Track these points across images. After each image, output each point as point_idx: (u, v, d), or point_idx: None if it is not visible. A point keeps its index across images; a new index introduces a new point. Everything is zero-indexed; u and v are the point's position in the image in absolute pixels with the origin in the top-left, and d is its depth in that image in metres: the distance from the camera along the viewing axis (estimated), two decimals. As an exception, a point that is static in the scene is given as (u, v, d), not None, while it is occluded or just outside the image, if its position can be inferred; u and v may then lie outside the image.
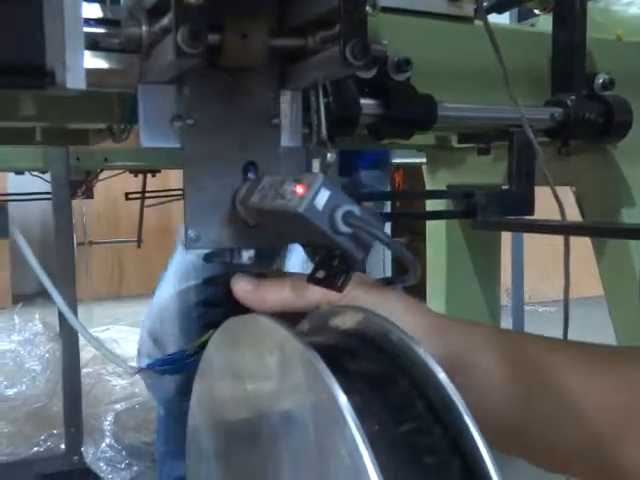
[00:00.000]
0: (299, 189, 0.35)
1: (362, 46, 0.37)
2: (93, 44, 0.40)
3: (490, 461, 0.30)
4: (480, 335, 0.41)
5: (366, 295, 0.41)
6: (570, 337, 0.50)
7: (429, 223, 1.05)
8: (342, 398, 0.29)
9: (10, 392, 2.30)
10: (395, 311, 0.40)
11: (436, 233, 1.03)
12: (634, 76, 0.78)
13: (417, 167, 4.20)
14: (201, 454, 0.44)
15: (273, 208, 0.37)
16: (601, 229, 0.58)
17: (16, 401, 2.20)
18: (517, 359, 0.40)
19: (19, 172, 2.53)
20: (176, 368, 0.92)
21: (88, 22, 0.39)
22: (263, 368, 0.36)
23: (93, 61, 0.40)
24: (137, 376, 2.56)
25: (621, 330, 0.76)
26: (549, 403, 0.39)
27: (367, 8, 0.36)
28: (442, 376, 0.33)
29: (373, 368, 0.35)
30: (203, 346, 0.66)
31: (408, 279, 0.38)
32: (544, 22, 1.10)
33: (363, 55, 0.37)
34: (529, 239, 2.97)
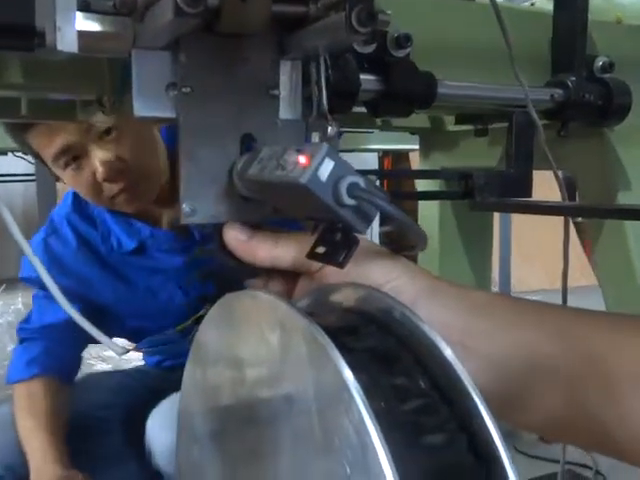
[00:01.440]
0: (302, 159, 0.34)
1: (368, 12, 0.36)
2: (85, 5, 0.38)
3: (499, 439, 0.29)
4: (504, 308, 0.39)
5: (366, 265, 0.39)
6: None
7: (422, 206, 1.04)
8: (348, 374, 0.28)
9: (-7, 375, 2.27)
10: (396, 277, 0.39)
11: (429, 216, 1.02)
12: (633, 59, 0.77)
13: (405, 153, 4.20)
14: (194, 435, 0.43)
15: (273, 179, 0.36)
16: (599, 210, 0.57)
17: (-1, 384, 2.17)
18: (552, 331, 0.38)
19: (2, 153, 2.49)
20: (166, 348, 0.91)
21: (80, -18, 0.37)
22: (263, 345, 0.34)
23: (85, 23, 0.38)
24: (122, 361, 2.54)
25: (612, 307, 0.76)
26: (581, 370, 0.37)
27: (375, -28, 0.35)
28: (448, 353, 0.32)
29: (377, 345, 0.34)
30: (196, 323, 0.65)
31: (417, 248, 0.36)
32: (541, 1, 1.09)
33: (369, 21, 0.36)
34: (514, 229, 2.98)
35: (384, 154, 4.07)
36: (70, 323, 1.20)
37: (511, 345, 0.37)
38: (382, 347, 0.34)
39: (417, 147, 1.92)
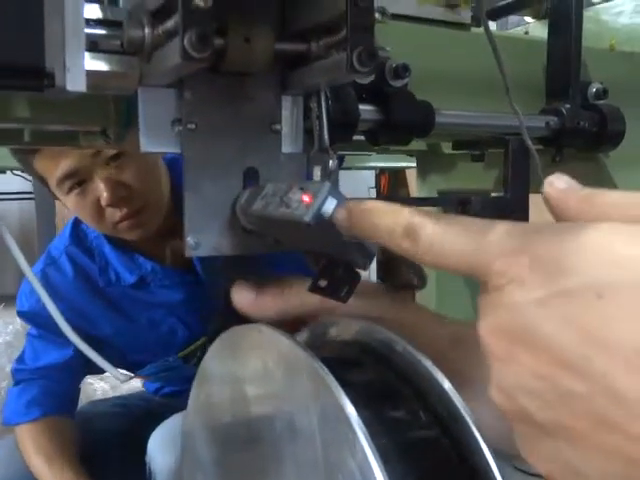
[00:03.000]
0: (305, 198, 0.34)
1: (369, 53, 0.37)
2: (93, 46, 0.39)
3: (498, 474, 0.30)
4: None
5: (367, 304, 0.40)
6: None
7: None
8: (351, 411, 0.29)
9: (-10, 395, 2.26)
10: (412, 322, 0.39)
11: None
12: (626, 86, 0.78)
13: (401, 171, 4.23)
14: (198, 464, 0.44)
15: (277, 216, 0.37)
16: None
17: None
18: None
19: (1, 171, 2.50)
20: (168, 375, 0.91)
21: (88, 23, 0.38)
22: (266, 379, 0.35)
23: (93, 63, 0.39)
24: (118, 381, 2.53)
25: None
26: None
27: (377, 15, 0.36)
28: (447, 386, 0.33)
29: (378, 379, 0.35)
30: (194, 353, 0.66)
31: (417, 287, 0.37)
32: (534, 29, 1.11)
33: (370, 61, 0.37)
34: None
35: (381, 172, 4.09)
36: (66, 363, 1.21)
37: None
38: (383, 381, 0.34)
39: (414, 165, 1.93)
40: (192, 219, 0.43)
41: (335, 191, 0.35)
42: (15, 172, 2.37)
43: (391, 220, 0.29)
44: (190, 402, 0.45)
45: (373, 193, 4.39)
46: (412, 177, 4.63)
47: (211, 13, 0.33)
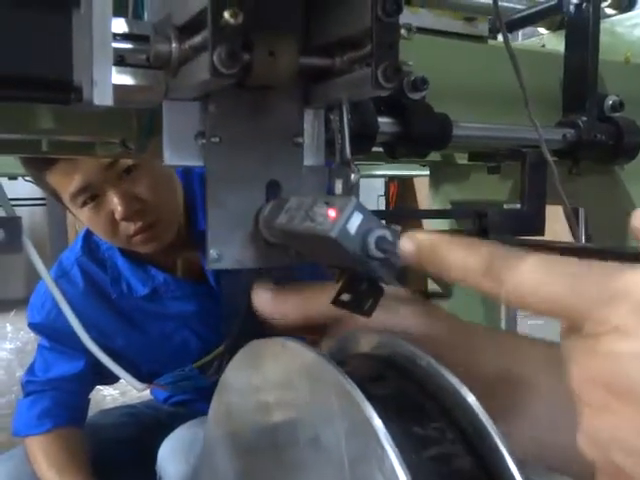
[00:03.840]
0: (331, 213, 0.35)
1: (394, 68, 0.37)
2: (120, 60, 0.39)
3: (526, 492, 0.30)
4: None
5: (390, 316, 0.40)
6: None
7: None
8: (380, 425, 0.29)
9: (1, 401, 2.26)
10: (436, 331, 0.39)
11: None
12: (642, 98, 0.78)
13: (409, 179, 4.23)
14: (218, 476, 0.44)
15: (302, 231, 0.37)
16: (619, 254, 0.58)
17: (7, 410, 2.17)
18: None
19: (12, 178, 2.51)
20: (185, 385, 0.91)
21: (115, 37, 0.38)
22: (290, 392, 0.35)
23: (119, 77, 0.39)
24: (127, 387, 2.54)
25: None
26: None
27: (402, 31, 0.36)
28: (473, 402, 0.33)
29: (403, 394, 0.35)
30: (210, 362, 0.66)
31: (443, 296, 0.37)
32: (548, 41, 1.11)
33: (395, 77, 0.37)
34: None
35: (390, 180, 4.10)
36: (77, 375, 1.21)
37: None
38: (408, 396, 0.34)
39: (422, 173, 1.92)
40: (215, 232, 0.43)
41: (361, 206, 0.35)
42: (26, 179, 2.39)
43: (467, 258, 0.28)
44: (210, 413, 0.45)
45: (382, 201, 4.40)
46: (420, 185, 4.64)
47: (241, 29, 0.33)
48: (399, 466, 0.27)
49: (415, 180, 4.38)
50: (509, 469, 0.31)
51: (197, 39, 0.36)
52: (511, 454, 0.31)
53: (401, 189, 4.34)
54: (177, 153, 0.42)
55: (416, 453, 0.31)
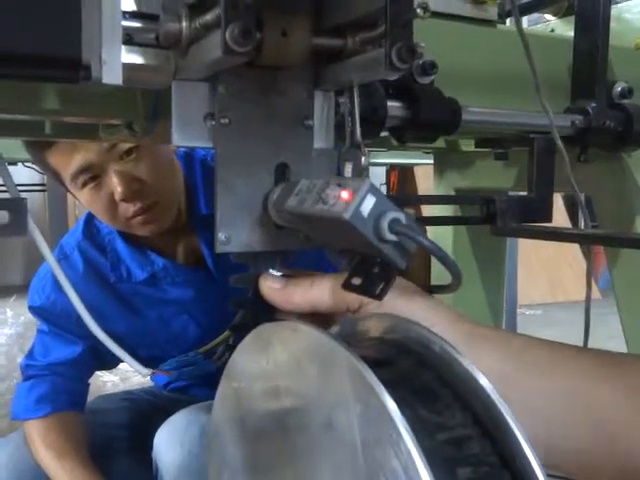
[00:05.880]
0: (344, 194, 0.34)
1: (408, 48, 0.36)
2: (129, 39, 0.39)
3: (541, 475, 0.30)
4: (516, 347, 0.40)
5: (407, 304, 0.40)
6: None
7: (435, 229, 1.04)
8: (394, 409, 0.28)
9: (1, 387, 2.26)
10: (438, 322, 0.39)
11: (443, 238, 1.02)
12: (651, 85, 0.77)
13: (409, 168, 4.22)
14: (225, 460, 0.43)
15: (314, 213, 0.36)
16: (624, 239, 0.58)
17: (7, 396, 2.17)
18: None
19: (12, 163, 2.50)
20: (189, 370, 0.91)
21: (124, 16, 0.38)
22: (302, 376, 0.35)
23: (128, 56, 0.39)
24: (128, 372, 2.54)
25: (632, 339, 0.76)
26: (568, 408, 0.38)
27: (418, 10, 0.35)
28: (487, 385, 0.32)
29: (416, 379, 0.34)
30: (215, 348, 0.66)
31: (451, 287, 0.37)
32: (555, 27, 1.10)
33: (409, 58, 0.36)
34: (519, 244, 2.99)
35: (391, 168, 4.09)
36: (76, 360, 1.21)
37: (547, 392, 0.38)
38: (421, 381, 0.34)
39: (423, 162, 1.91)
40: (223, 214, 0.42)
41: (374, 188, 0.34)
42: (26, 164, 2.38)
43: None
44: (217, 398, 0.44)
45: (384, 190, 4.40)
46: (420, 174, 4.63)
47: (254, 7, 0.32)
48: (415, 450, 0.27)
49: (415, 169, 4.38)
50: (524, 453, 0.30)
51: (209, 17, 0.35)
52: (526, 438, 0.31)
53: (401, 178, 4.33)
54: (186, 134, 0.42)
55: (430, 437, 0.30)
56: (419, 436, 0.28)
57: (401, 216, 0.34)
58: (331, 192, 0.35)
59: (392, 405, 0.28)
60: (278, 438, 0.37)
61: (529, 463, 0.30)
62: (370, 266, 0.37)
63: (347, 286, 0.39)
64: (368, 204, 0.34)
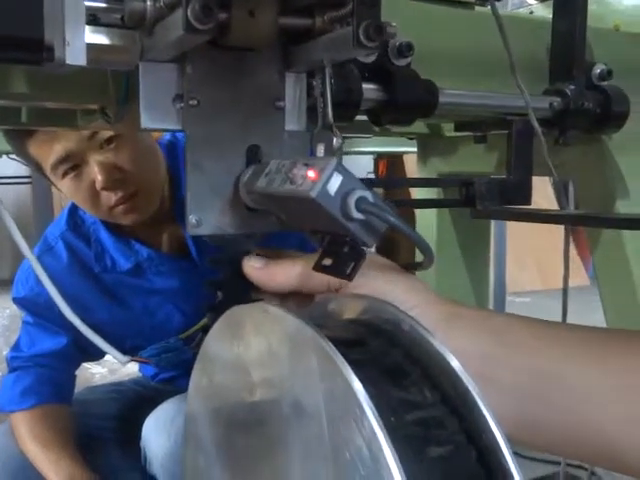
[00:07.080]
0: (311, 173, 0.34)
1: (376, 26, 0.36)
2: (93, 19, 0.38)
3: (508, 453, 0.30)
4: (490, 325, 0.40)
5: (387, 285, 0.40)
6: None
7: (419, 213, 1.04)
8: (359, 388, 0.28)
9: (-12, 380, 2.24)
10: (418, 303, 0.39)
11: (426, 222, 1.02)
12: (631, 67, 0.77)
13: (398, 157, 4.21)
14: (201, 446, 0.43)
15: (282, 193, 0.36)
16: (601, 219, 0.58)
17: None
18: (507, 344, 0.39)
19: (-3, 156, 2.48)
20: (168, 357, 0.91)
21: (88, -5, 0.37)
22: (272, 358, 0.35)
23: (93, 37, 0.38)
24: (116, 364, 2.54)
25: (612, 319, 0.76)
26: (548, 389, 0.38)
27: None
28: (456, 365, 0.32)
29: (385, 357, 0.34)
30: (195, 334, 0.66)
31: (424, 264, 0.37)
32: (537, 10, 1.10)
33: (377, 36, 0.36)
34: (508, 231, 3.00)
35: (379, 157, 4.08)
36: (61, 351, 1.20)
37: (529, 371, 0.38)
38: (390, 359, 0.34)
39: (412, 150, 1.92)
40: (194, 197, 0.42)
41: (341, 167, 0.34)
42: (11, 156, 2.36)
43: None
44: (191, 384, 0.44)
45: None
46: (410, 163, 4.62)
47: (214, -17, 0.32)
48: (378, 427, 0.27)
49: (405, 157, 4.37)
50: (491, 430, 0.30)
51: (171, -5, 0.34)
52: (493, 416, 0.31)
53: (390, 167, 4.33)
54: (154, 116, 0.41)
55: (396, 415, 0.30)
56: (384, 413, 0.28)
57: (368, 194, 0.34)
58: (298, 171, 0.35)
59: (356, 383, 0.28)
60: (250, 421, 0.37)
61: (494, 438, 0.30)
62: (340, 246, 0.37)
63: (318, 267, 0.39)
64: (335, 182, 0.34)
